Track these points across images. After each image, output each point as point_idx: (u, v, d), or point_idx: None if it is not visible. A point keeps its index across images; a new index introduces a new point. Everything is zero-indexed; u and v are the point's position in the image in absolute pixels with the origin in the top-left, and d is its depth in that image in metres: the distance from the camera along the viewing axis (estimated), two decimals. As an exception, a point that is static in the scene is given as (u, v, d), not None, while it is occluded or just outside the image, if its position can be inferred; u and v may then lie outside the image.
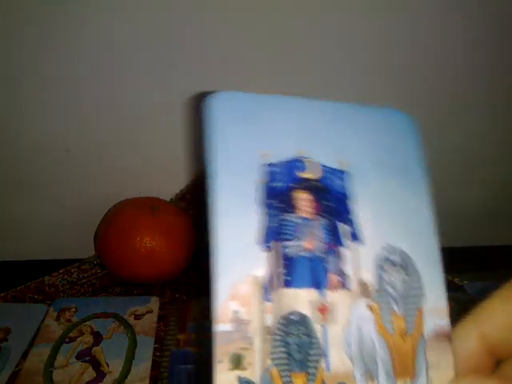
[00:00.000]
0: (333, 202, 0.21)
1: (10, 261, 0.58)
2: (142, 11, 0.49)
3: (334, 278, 0.20)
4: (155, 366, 0.41)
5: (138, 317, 0.46)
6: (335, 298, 0.20)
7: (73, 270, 0.55)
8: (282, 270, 0.19)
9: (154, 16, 0.49)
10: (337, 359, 0.19)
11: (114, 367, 0.40)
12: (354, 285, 0.20)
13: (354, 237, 0.21)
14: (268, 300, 0.19)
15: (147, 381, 0.39)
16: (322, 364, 0.19)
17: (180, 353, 0.42)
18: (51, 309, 0.47)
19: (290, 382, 0.19)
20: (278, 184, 0.21)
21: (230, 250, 0.19)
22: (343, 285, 0.20)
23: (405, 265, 0.20)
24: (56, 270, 0.54)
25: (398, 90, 0.55)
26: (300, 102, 0.22)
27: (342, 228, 0.21)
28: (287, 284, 0.19)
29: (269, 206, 0.20)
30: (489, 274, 0.51)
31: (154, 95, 0.54)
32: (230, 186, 0.20)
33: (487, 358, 0.19)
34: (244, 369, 0.18)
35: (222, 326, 0.18)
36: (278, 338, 0.19)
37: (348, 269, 0.20)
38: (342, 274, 0.20)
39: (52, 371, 0.40)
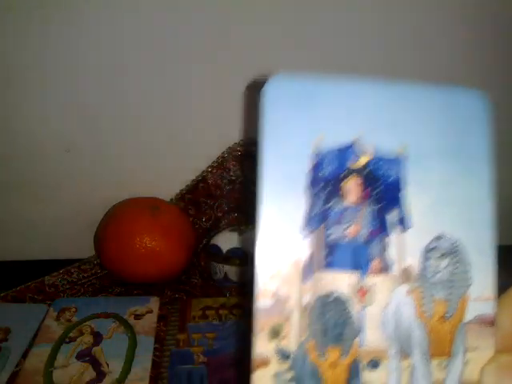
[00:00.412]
0: (383, 189, 0.21)
1: (10, 261, 0.58)
2: (142, 11, 0.49)
3: (376, 262, 0.21)
4: (155, 365, 0.41)
5: (137, 317, 0.46)
6: (376, 281, 0.21)
7: (73, 270, 0.55)
8: (323, 253, 0.21)
9: (153, 17, 0.49)
10: (372, 337, 0.20)
11: (114, 367, 0.40)
12: (396, 270, 0.21)
13: (402, 224, 0.21)
14: (308, 280, 0.20)
15: (147, 381, 0.39)
16: (357, 340, 0.20)
17: (180, 353, 0.42)
18: (51, 309, 0.47)
19: (325, 354, 0.20)
20: (328, 170, 0.21)
21: (275, 232, 0.20)
22: (385, 270, 0.21)
23: (454, 254, 0.21)
24: (56, 269, 0.54)
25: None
26: (358, 84, 0.21)
27: (391, 215, 0.21)
28: (328, 266, 0.20)
29: (316, 192, 0.21)
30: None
31: (154, 95, 0.54)
32: (280, 171, 0.20)
33: None
34: (281, 340, 0.20)
35: (263, 300, 0.20)
36: (315, 314, 0.20)
37: (392, 255, 0.21)
38: (384, 259, 0.21)
39: (52, 371, 0.40)
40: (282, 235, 0.20)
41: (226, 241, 0.53)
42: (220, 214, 0.60)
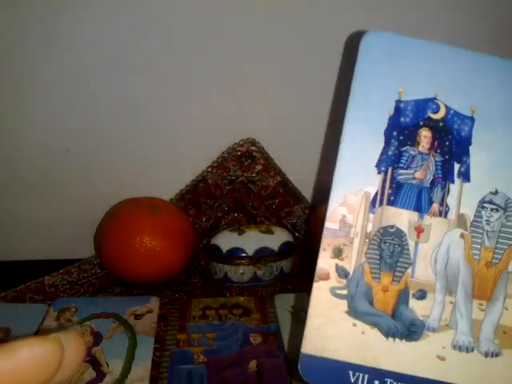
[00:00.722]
0: (453, 143, 0.24)
1: (10, 261, 0.58)
2: (142, 12, 0.49)
3: (436, 206, 0.23)
4: (155, 365, 0.41)
5: (137, 317, 0.46)
6: (433, 222, 0.23)
7: (73, 270, 0.55)
8: (389, 191, 0.23)
9: (152, 17, 0.49)
10: (422, 270, 0.23)
11: (114, 367, 0.40)
12: (453, 216, 0.23)
13: (465, 176, 0.23)
14: (372, 212, 0.23)
15: (147, 381, 0.39)
16: (409, 271, 0.23)
17: (180, 353, 0.42)
18: (51, 309, 0.47)
19: (378, 277, 0.23)
20: (406, 119, 0.23)
21: (350, 168, 0.23)
22: (443, 213, 0.23)
23: (506, 209, 0.23)
24: (56, 270, 0.54)
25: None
26: (442, 48, 0.24)
27: (456, 167, 0.23)
28: (391, 203, 0.23)
29: (392, 137, 0.23)
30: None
31: (154, 95, 0.54)
32: (363, 114, 0.23)
33: None
34: (342, 259, 0.23)
35: (330, 223, 0.23)
36: (374, 242, 0.23)
37: (452, 202, 0.23)
38: (444, 204, 0.23)
39: (52, 371, 0.39)
40: (357, 168, 0.23)
41: (226, 241, 0.53)
42: (220, 214, 0.60)
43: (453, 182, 0.23)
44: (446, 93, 0.23)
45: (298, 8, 0.51)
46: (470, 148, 0.24)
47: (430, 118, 0.24)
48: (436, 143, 0.24)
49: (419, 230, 0.23)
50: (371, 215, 0.23)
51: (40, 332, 0.44)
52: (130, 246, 0.49)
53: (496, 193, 0.23)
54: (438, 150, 0.24)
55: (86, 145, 0.55)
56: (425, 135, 0.24)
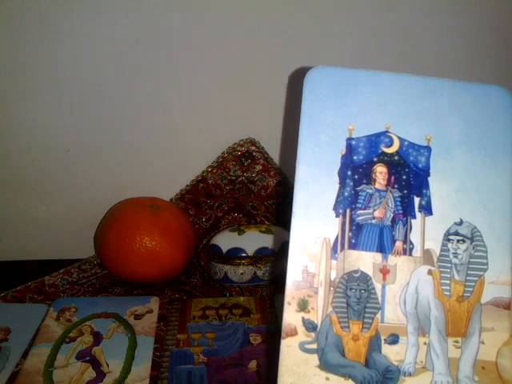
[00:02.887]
0: (410, 176, 0.23)
1: (10, 261, 0.58)
2: (143, 12, 0.49)
3: (399, 244, 0.22)
4: (155, 365, 0.41)
5: (137, 317, 0.46)
6: (398, 261, 0.22)
7: (73, 270, 0.55)
8: (349, 234, 0.22)
9: (155, 18, 0.49)
10: (392, 313, 0.22)
11: (114, 367, 0.40)
12: (418, 252, 0.22)
13: (426, 209, 0.22)
14: (335, 258, 0.22)
15: (147, 381, 0.39)
16: (378, 316, 0.22)
17: (180, 353, 0.42)
18: (51, 309, 0.47)
19: (347, 327, 0.22)
20: (360, 157, 0.23)
21: (306, 214, 0.22)
22: (408, 251, 0.22)
23: (473, 239, 0.22)
24: (56, 270, 0.54)
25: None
26: (391, 77, 0.23)
27: (416, 200, 0.23)
28: (353, 246, 0.22)
29: (347, 177, 0.22)
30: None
31: (154, 95, 0.54)
32: (314, 156, 0.22)
33: None
34: (308, 312, 0.22)
35: (293, 275, 0.22)
36: (340, 290, 0.22)
37: (415, 238, 0.22)
38: (408, 241, 0.22)
39: (52, 371, 0.40)
40: (314, 213, 0.22)
41: (226, 241, 0.53)
42: (220, 214, 0.60)
43: (414, 216, 0.23)
44: (399, 124, 0.23)
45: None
46: (429, 179, 0.23)
47: (383, 153, 0.23)
48: (393, 178, 0.23)
49: (385, 272, 0.22)
50: (334, 261, 0.22)
51: (40, 332, 0.44)
52: (130, 246, 0.49)
53: (461, 223, 0.22)
54: (396, 186, 0.23)
55: (86, 145, 0.55)
56: (380, 171, 0.23)
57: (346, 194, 0.22)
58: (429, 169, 0.23)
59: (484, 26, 0.53)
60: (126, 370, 0.40)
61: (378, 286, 0.22)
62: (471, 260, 0.22)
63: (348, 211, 0.22)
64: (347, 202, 0.22)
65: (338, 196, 0.22)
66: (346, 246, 0.22)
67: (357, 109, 0.22)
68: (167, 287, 0.52)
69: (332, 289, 0.22)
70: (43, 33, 0.49)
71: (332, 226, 0.22)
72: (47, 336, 0.43)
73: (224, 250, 0.52)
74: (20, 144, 0.54)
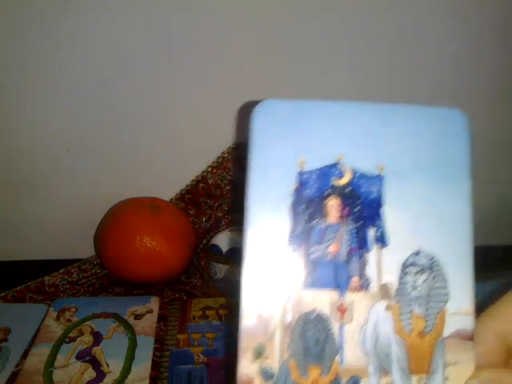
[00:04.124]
0: (363, 207, 0.22)
1: (10, 261, 0.58)
2: (143, 12, 0.49)
3: (355, 280, 0.21)
4: (155, 365, 0.41)
5: (137, 317, 0.46)
6: (355, 298, 0.21)
7: (73, 270, 0.55)
8: (305, 272, 0.21)
9: (153, 16, 0.49)
10: (351, 354, 0.21)
11: (114, 367, 0.40)
12: (375, 287, 0.21)
13: (381, 240, 0.21)
14: (290, 299, 0.21)
15: (147, 381, 0.39)
16: (337, 358, 0.21)
17: (180, 353, 0.42)
18: (51, 309, 0.47)
19: (306, 373, 0.20)
20: (312, 191, 0.22)
21: (258, 252, 0.21)
22: (365, 287, 0.21)
23: (432, 269, 0.21)
24: (56, 270, 0.54)
25: (398, 90, 0.55)
26: (339, 106, 0.22)
27: (370, 232, 0.22)
28: (309, 285, 0.21)
29: (300, 213, 0.21)
30: (489, 274, 0.51)
31: (154, 95, 0.54)
32: (265, 193, 0.21)
33: (503, 355, 0.20)
34: (265, 360, 0.20)
35: (246, 320, 0.20)
36: (296, 333, 0.21)
37: (371, 272, 0.21)
38: (364, 276, 0.21)
39: (52, 371, 0.40)
40: (266, 255, 0.21)
41: (226, 241, 0.53)
42: (220, 214, 0.60)
43: (370, 249, 0.21)
44: (350, 154, 0.22)
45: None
46: (383, 209, 0.22)
47: (335, 185, 0.22)
48: (346, 211, 0.22)
49: (342, 310, 0.21)
50: (289, 302, 0.21)
51: (40, 332, 0.44)
52: (130, 246, 0.49)
53: (418, 253, 0.21)
54: (350, 218, 0.22)
55: (86, 145, 0.55)
56: (332, 204, 0.22)
57: (300, 230, 0.21)
58: (382, 198, 0.22)
59: (484, 27, 0.53)
60: (126, 370, 0.40)
61: (335, 326, 0.21)
62: (431, 292, 0.21)
63: (302, 248, 0.21)
64: (301, 239, 0.21)
65: (291, 233, 0.21)
66: (301, 285, 0.21)
67: (307, 141, 0.22)
68: (167, 287, 0.52)
69: (289, 332, 0.20)
70: (43, 33, 0.48)
71: (286, 265, 0.21)
72: (47, 336, 0.43)
73: (224, 249, 0.52)
74: (20, 144, 0.54)
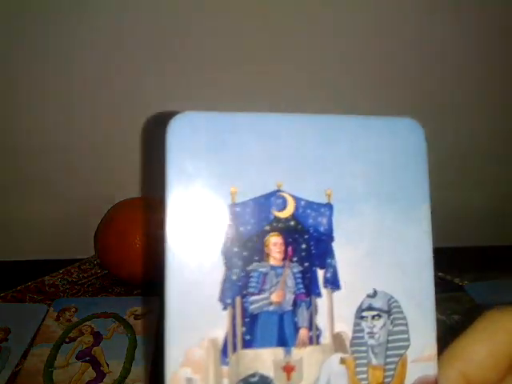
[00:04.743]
0: (310, 244, 0.18)
1: (10, 261, 0.58)
2: (143, 11, 0.49)
3: (303, 333, 0.18)
4: (155, 366, 0.41)
5: (137, 317, 0.46)
6: (304, 355, 0.18)
7: (73, 270, 0.55)
8: (242, 330, 0.17)
9: (153, 18, 0.49)
10: None
11: (114, 367, 0.40)
12: (327, 338, 0.18)
13: (333, 283, 0.18)
14: (225, 364, 0.17)
15: (147, 381, 0.39)
16: None
17: (180, 353, 0.42)
18: (51, 309, 0.47)
19: None
20: (247, 227, 0.17)
21: (185, 310, 0.17)
22: (314, 340, 0.18)
23: (390, 312, 0.18)
24: (56, 270, 0.54)
25: (398, 91, 0.55)
26: (279, 120, 0.18)
27: (319, 274, 0.18)
28: (248, 344, 0.17)
29: (233, 256, 0.17)
30: (489, 274, 0.51)
31: (153, 95, 0.54)
32: (188, 232, 0.17)
33: None
34: None
35: None
36: None
37: (322, 321, 0.18)
38: (313, 327, 0.18)
39: (52, 371, 0.40)
40: (195, 309, 0.17)
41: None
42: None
43: (319, 295, 0.18)
44: (292, 180, 0.18)
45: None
46: (333, 244, 0.18)
47: (276, 219, 0.18)
48: (290, 250, 0.18)
49: (288, 370, 0.17)
50: (225, 368, 0.17)
51: (40, 332, 0.44)
52: (130, 246, 0.49)
53: (375, 294, 0.18)
54: (295, 258, 0.18)
55: (86, 145, 0.55)
56: (274, 242, 0.18)
57: (234, 277, 0.17)
58: (332, 231, 0.18)
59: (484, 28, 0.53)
60: (126, 370, 0.40)
61: None
62: (390, 338, 0.18)
63: (238, 300, 0.17)
64: (236, 288, 0.17)
65: (224, 282, 0.17)
66: (239, 345, 0.17)
67: (239, 165, 0.17)
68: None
69: None
70: (43, 33, 0.48)
71: (219, 323, 0.17)
72: (47, 336, 0.43)
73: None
74: (20, 144, 0.54)
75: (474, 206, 0.64)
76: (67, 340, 0.43)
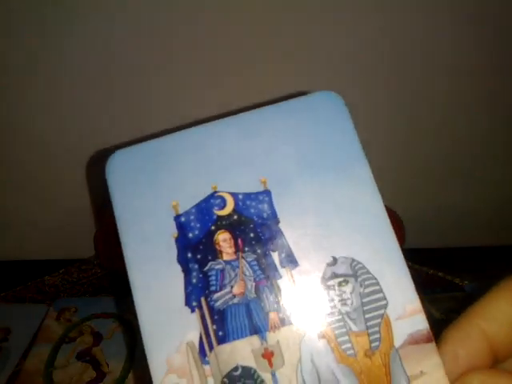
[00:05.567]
0: (258, 232, 0.19)
1: (10, 261, 0.58)
2: (143, 11, 0.49)
3: (273, 316, 0.18)
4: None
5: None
6: (279, 337, 0.18)
7: (73, 270, 0.55)
8: (213, 327, 0.18)
9: (153, 18, 0.49)
10: None
11: (114, 367, 0.40)
12: (298, 316, 0.18)
13: (289, 262, 0.18)
14: (206, 363, 0.18)
15: (147, 381, 0.39)
16: None
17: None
18: (51, 309, 0.47)
19: None
20: (195, 232, 0.19)
21: (157, 322, 0.18)
22: (286, 320, 0.18)
23: (356, 274, 0.18)
24: (56, 270, 0.54)
25: (398, 90, 0.55)
26: (201, 131, 0.20)
27: (275, 256, 0.19)
28: (222, 340, 0.18)
29: (188, 261, 0.18)
30: (489, 274, 0.51)
31: (154, 95, 0.54)
32: (144, 251, 0.18)
33: (488, 357, 0.17)
34: None
35: None
36: None
37: (288, 300, 0.18)
38: (282, 308, 0.18)
39: (52, 371, 0.40)
40: (165, 321, 0.18)
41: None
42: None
43: (279, 276, 0.18)
44: (226, 179, 0.19)
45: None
46: (280, 226, 0.19)
47: (220, 217, 0.19)
48: (240, 242, 0.19)
49: (268, 356, 0.18)
50: (207, 367, 0.17)
51: (40, 332, 0.44)
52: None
53: (335, 262, 0.18)
54: (246, 248, 0.19)
55: (86, 145, 0.55)
56: (223, 239, 0.19)
57: (194, 280, 0.18)
58: (276, 214, 0.19)
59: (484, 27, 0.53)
60: (126, 370, 0.40)
61: (267, 377, 0.17)
62: (364, 300, 0.18)
63: (203, 300, 0.18)
64: (199, 290, 0.18)
65: (185, 287, 0.18)
66: (215, 342, 0.18)
67: (174, 180, 0.19)
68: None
69: None
70: (42, 32, 0.48)
71: (191, 326, 0.18)
72: (47, 336, 0.43)
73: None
74: (20, 144, 0.54)
75: (473, 206, 0.64)
76: (67, 340, 0.43)
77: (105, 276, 0.54)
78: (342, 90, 0.21)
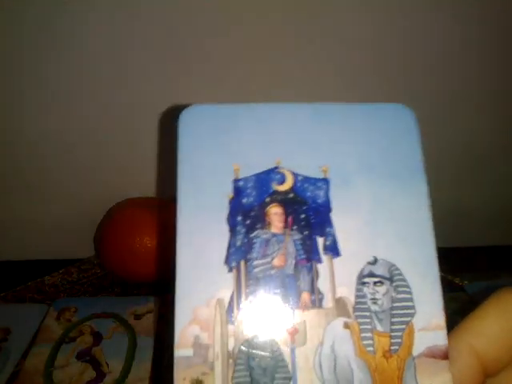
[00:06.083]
0: (309, 214, 0.20)
1: (10, 261, 0.58)
2: (143, 11, 0.49)
3: (305, 296, 0.19)
4: (155, 365, 0.41)
5: (137, 317, 0.46)
6: (307, 317, 0.18)
7: (73, 270, 0.55)
8: (247, 291, 0.18)
9: (152, 18, 0.49)
10: (306, 382, 0.18)
11: (114, 367, 0.40)
12: (329, 302, 0.18)
13: (333, 250, 0.19)
14: (231, 323, 0.18)
15: (147, 381, 0.39)
16: None
17: (180, 353, 0.42)
18: (51, 309, 0.47)
19: None
20: (250, 199, 0.19)
21: (193, 271, 0.18)
22: (317, 303, 0.18)
23: (392, 279, 0.19)
24: (56, 270, 0.54)
25: (402, 89, 0.55)
26: (275, 108, 0.21)
27: (320, 241, 0.19)
28: (252, 305, 0.18)
29: (237, 224, 0.19)
30: (489, 274, 0.51)
31: (154, 95, 0.54)
32: (197, 203, 0.19)
33: (478, 374, 0.17)
34: None
35: (182, 351, 0.18)
36: (240, 362, 0.18)
37: (324, 285, 0.19)
38: (315, 291, 0.19)
39: (52, 371, 0.40)
40: (203, 271, 0.18)
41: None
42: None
43: (320, 260, 0.19)
44: (290, 158, 0.20)
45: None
46: (332, 214, 0.19)
47: (276, 192, 0.20)
48: (290, 219, 0.19)
49: (292, 332, 0.18)
50: (231, 327, 0.18)
51: (40, 332, 0.44)
52: (130, 245, 0.49)
53: (375, 261, 0.19)
54: (295, 227, 0.19)
55: (86, 145, 0.55)
56: (275, 212, 0.19)
57: (239, 243, 0.19)
58: (329, 203, 0.19)
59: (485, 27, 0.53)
60: (126, 370, 0.40)
61: (286, 351, 0.18)
62: (394, 305, 0.18)
63: (242, 263, 0.19)
64: (240, 253, 0.19)
65: (229, 247, 0.19)
66: (244, 305, 0.18)
67: (241, 146, 0.20)
68: (167, 287, 0.52)
69: (231, 361, 0.18)
70: (42, 32, 0.48)
71: (226, 284, 0.18)
72: (47, 336, 0.43)
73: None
74: (19, 144, 0.54)
75: (473, 206, 0.64)
76: (67, 340, 0.43)
77: (105, 276, 0.54)
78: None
